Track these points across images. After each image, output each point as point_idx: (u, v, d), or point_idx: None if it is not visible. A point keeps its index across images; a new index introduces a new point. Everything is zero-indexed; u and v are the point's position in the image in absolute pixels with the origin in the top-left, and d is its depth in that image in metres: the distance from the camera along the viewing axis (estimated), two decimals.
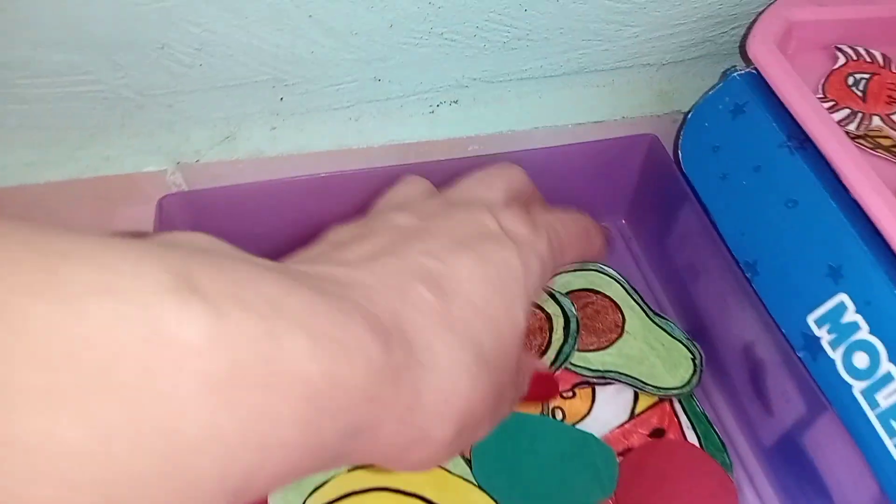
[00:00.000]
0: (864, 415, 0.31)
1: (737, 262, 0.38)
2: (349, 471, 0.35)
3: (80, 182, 0.41)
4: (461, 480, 0.35)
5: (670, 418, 0.39)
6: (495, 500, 0.35)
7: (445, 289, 0.20)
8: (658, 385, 0.40)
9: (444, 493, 0.35)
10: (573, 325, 0.42)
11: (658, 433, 0.38)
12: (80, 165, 0.41)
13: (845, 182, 0.33)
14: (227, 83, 0.38)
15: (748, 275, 0.37)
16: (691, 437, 0.38)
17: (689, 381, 0.40)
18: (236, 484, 0.14)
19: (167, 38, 0.36)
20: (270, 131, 0.42)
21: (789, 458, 0.38)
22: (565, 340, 0.41)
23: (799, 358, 0.35)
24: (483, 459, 0.36)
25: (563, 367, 0.40)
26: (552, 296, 0.43)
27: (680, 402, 0.40)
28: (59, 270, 0.13)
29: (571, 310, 0.42)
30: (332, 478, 0.35)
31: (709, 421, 0.39)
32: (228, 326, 0.14)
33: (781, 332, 0.36)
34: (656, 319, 0.44)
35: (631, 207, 0.51)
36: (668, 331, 0.43)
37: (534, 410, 0.39)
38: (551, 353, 0.40)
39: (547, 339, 0.41)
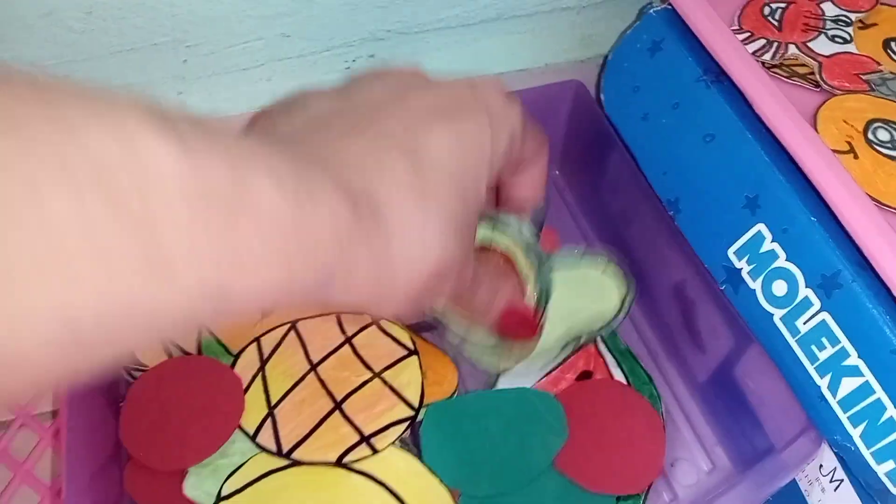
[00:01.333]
0: (786, 342, 0.31)
1: (660, 201, 0.38)
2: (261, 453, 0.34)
3: None
4: (390, 453, 0.34)
5: (595, 359, 0.39)
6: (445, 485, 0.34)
7: (422, 161, 0.22)
8: (595, 329, 0.39)
9: (369, 464, 0.34)
10: (536, 252, 0.35)
11: (585, 376, 0.38)
12: None
13: (759, 112, 0.33)
14: (124, 48, 0.37)
15: (671, 212, 0.37)
16: (618, 375, 0.38)
17: (620, 308, 0.39)
18: (212, 292, 0.16)
19: (53, 5, 0.34)
20: (177, 96, 0.40)
21: (722, 393, 0.38)
22: (537, 272, 0.35)
23: (722, 291, 0.34)
24: (437, 459, 0.34)
25: (547, 303, 0.35)
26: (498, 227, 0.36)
27: (604, 341, 0.39)
28: (58, 103, 0.14)
29: (528, 236, 0.35)
30: (245, 462, 0.34)
31: (633, 356, 0.39)
32: (198, 160, 0.16)
33: (707, 270, 0.35)
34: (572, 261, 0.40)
35: (562, 157, 0.50)
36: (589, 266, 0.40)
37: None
38: (532, 290, 0.35)
39: (518, 276, 0.35)
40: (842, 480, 0.31)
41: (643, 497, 0.34)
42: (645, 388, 0.37)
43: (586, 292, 0.39)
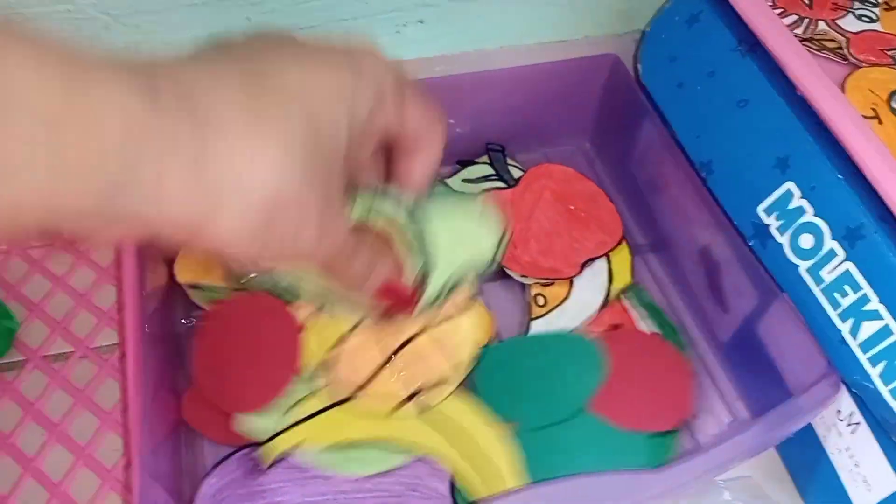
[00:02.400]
0: (811, 291, 0.33)
1: (693, 166, 0.40)
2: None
3: None
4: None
5: (622, 314, 0.42)
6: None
7: (265, 83, 0.22)
8: (470, 275, 0.37)
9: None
10: (412, 231, 0.34)
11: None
12: None
13: (792, 77, 0.35)
14: (195, 1, 0.39)
15: (703, 174, 0.39)
16: (645, 327, 0.40)
17: (497, 251, 0.37)
18: None
19: None
20: None
21: (744, 350, 0.40)
22: (419, 247, 0.34)
23: (750, 247, 0.36)
24: (491, 396, 0.37)
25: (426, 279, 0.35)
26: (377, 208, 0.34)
27: (629, 297, 0.42)
28: None
29: (406, 212, 0.33)
30: (301, 401, 0.36)
31: (659, 310, 0.41)
32: None
33: (734, 227, 0.38)
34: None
35: (594, 130, 0.53)
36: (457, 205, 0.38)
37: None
38: (410, 268, 0.34)
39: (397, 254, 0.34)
40: (858, 423, 0.33)
41: (674, 436, 0.36)
42: (673, 336, 0.39)
43: (461, 240, 0.36)
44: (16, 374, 0.41)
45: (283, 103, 0.22)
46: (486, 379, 0.37)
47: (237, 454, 0.36)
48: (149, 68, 0.20)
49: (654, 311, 0.41)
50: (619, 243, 0.44)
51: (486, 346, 0.38)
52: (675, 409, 0.37)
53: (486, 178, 0.47)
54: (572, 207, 0.46)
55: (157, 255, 0.42)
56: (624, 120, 0.48)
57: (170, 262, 0.42)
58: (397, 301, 0.33)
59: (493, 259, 0.37)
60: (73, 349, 0.42)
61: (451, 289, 0.36)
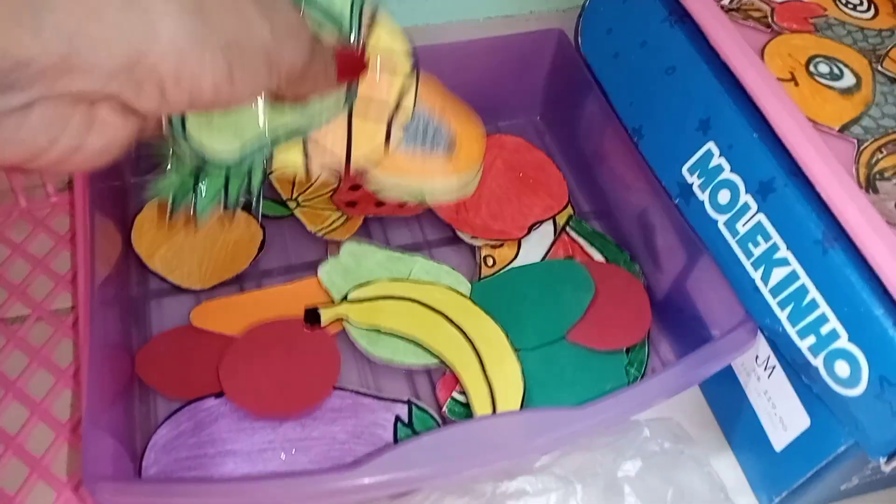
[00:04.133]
0: (728, 243, 0.36)
1: (627, 131, 0.42)
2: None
3: None
4: (481, 311, 0.41)
5: (571, 245, 0.45)
6: (506, 333, 0.40)
7: None
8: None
9: (464, 317, 0.40)
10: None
11: None
12: None
13: (714, 45, 0.37)
14: None
15: (635, 139, 0.41)
16: (593, 253, 0.45)
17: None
18: None
19: None
20: None
21: (675, 306, 0.42)
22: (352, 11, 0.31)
23: (676, 205, 0.39)
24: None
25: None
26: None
27: (573, 228, 0.46)
28: None
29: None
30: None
31: (601, 234, 0.45)
32: None
33: (663, 188, 0.40)
34: None
35: (544, 103, 0.54)
36: None
37: None
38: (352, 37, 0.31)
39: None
40: (774, 367, 0.36)
41: (647, 344, 0.41)
42: (619, 257, 0.44)
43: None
44: None
45: None
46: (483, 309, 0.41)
47: (188, 407, 0.37)
48: None
49: (595, 238, 0.45)
50: (564, 207, 0.47)
51: (478, 282, 0.43)
52: (640, 322, 0.41)
53: None
54: (521, 175, 0.48)
55: (112, 224, 0.43)
56: (570, 94, 0.50)
57: (126, 231, 0.44)
58: (353, 69, 0.30)
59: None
60: (30, 311, 0.43)
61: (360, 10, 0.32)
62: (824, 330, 0.31)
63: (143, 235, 0.44)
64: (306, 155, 0.33)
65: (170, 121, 0.28)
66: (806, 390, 0.34)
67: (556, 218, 0.47)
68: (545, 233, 0.46)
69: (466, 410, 0.38)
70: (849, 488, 0.37)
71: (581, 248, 0.45)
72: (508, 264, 0.45)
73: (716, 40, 0.37)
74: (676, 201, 0.38)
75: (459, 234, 0.45)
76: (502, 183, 0.48)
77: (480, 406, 0.38)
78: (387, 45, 0.33)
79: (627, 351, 0.41)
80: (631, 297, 0.42)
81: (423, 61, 0.48)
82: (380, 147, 0.33)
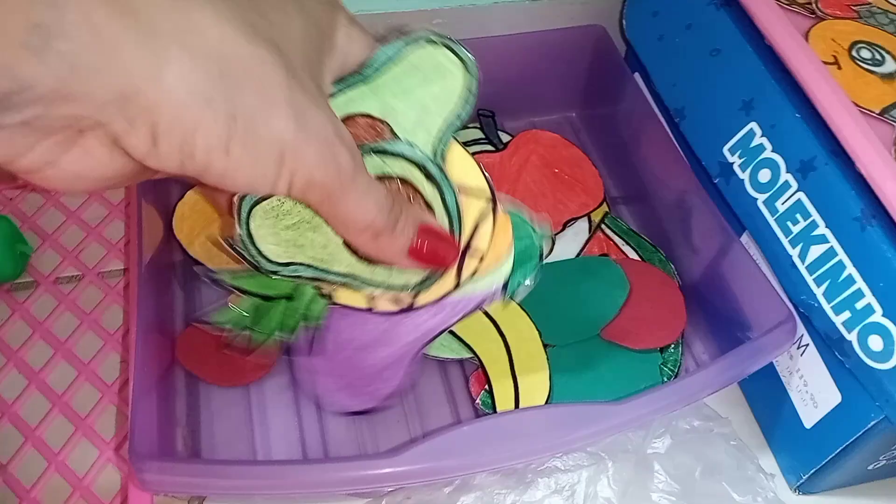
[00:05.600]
0: (767, 221, 0.36)
1: (668, 113, 0.43)
2: None
3: None
4: (517, 305, 0.40)
5: (606, 243, 0.45)
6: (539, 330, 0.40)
7: None
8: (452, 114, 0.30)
9: (499, 310, 0.40)
10: (433, 169, 0.29)
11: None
12: None
13: (760, 27, 0.38)
14: None
15: (677, 120, 0.42)
16: (628, 251, 0.45)
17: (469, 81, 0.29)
18: None
19: None
20: None
21: (710, 287, 0.43)
22: (440, 189, 0.29)
23: (715, 184, 0.39)
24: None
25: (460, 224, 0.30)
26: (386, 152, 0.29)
27: (608, 226, 0.45)
28: None
29: (417, 153, 0.29)
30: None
31: (636, 233, 0.45)
32: None
33: (702, 168, 0.40)
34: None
35: (582, 100, 0.54)
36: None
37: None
38: (440, 212, 0.29)
39: (423, 203, 0.29)
40: (807, 345, 0.36)
41: (681, 343, 0.41)
42: (654, 256, 0.44)
43: (425, 77, 0.29)
44: (27, 295, 0.44)
45: None
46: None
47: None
48: None
49: (631, 236, 0.45)
50: (599, 205, 0.47)
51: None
52: (674, 322, 0.41)
53: (476, 142, 0.50)
54: (557, 171, 0.48)
55: (155, 210, 0.43)
56: (609, 88, 0.50)
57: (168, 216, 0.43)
58: (441, 247, 0.28)
59: (470, 87, 0.29)
60: (82, 274, 0.45)
61: (441, 154, 0.29)
62: (859, 305, 0.32)
63: (183, 221, 0.43)
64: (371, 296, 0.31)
65: (238, 213, 0.26)
66: (838, 367, 0.34)
67: (591, 215, 0.47)
68: (580, 230, 0.46)
69: None
70: (876, 469, 0.37)
71: (616, 245, 0.45)
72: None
73: (763, 23, 0.38)
74: (716, 181, 0.39)
75: None
76: (537, 178, 0.48)
77: (503, 402, 0.38)
78: (459, 179, 0.30)
79: (661, 350, 0.41)
80: (666, 296, 0.42)
81: None
82: (447, 291, 0.31)
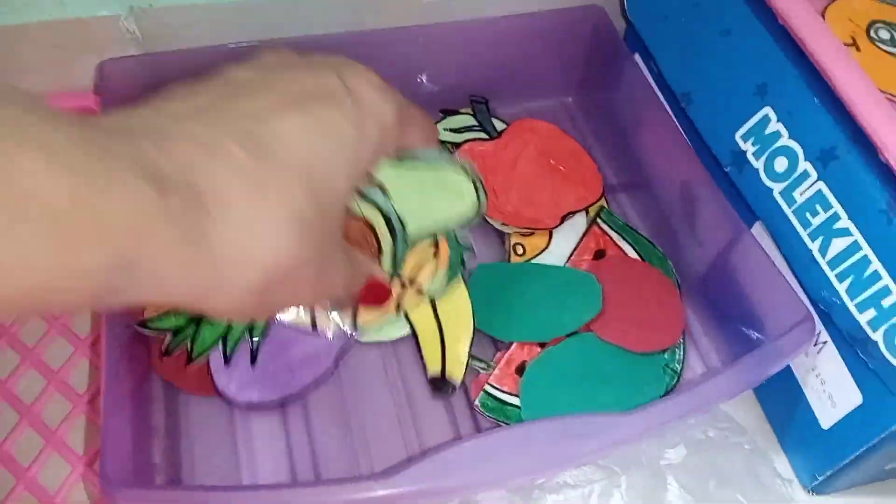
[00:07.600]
0: (783, 213, 0.34)
1: (674, 96, 0.40)
2: None
3: (35, 27, 0.41)
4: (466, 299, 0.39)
5: (603, 237, 0.43)
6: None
7: (263, 148, 0.21)
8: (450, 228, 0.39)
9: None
10: (396, 224, 0.36)
11: (600, 254, 0.42)
12: (36, 10, 0.41)
13: (773, 6, 0.36)
14: None
15: (683, 104, 0.40)
16: (626, 248, 0.42)
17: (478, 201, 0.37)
18: None
19: None
20: None
21: (717, 282, 0.41)
22: (395, 241, 0.36)
23: (724, 174, 0.37)
24: (484, 312, 0.39)
25: (399, 271, 0.37)
26: (364, 196, 0.36)
27: (604, 220, 0.43)
28: None
29: (389, 207, 0.36)
30: None
31: (632, 229, 0.43)
32: None
33: (712, 156, 0.38)
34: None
35: (578, 85, 0.52)
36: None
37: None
38: (387, 260, 0.36)
39: (376, 246, 0.36)
40: (825, 342, 0.34)
41: (683, 343, 0.39)
42: (652, 252, 0.42)
43: (443, 194, 0.37)
44: None
45: (284, 173, 0.21)
46: (481, 293, 0.39)
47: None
48: (147, 139, 0.19)
49: (628, 232, 0.43)
50: (598, 199, 0.45)
51: (484, 264, 0.41)
52: (673, 324, 0.39)
53: (469, 129, 0.47)
54: (554, 162, 0.46)
55: None
56: (607, 73, 0.48)
57: None
58: (376, 294, 0.35)
59: (473, 215, 0.37)
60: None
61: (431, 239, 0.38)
62: (886, 302, 0.30)
63: None
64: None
65: None
66: (859, 366, 0.33)
67: (589, 209, 0.44)
68: (577, 224, 0.44)
69: (500, 404, 0.37)
70: (893, 468, 0.36)
71: (613, 241, 0.43)
72: (539, 254, 0.42)
73: (777, 2, 0.36)
74: (728, 169, 0.37)
75: (489, 220, 0.43)
76: (534, 169, 0.45)
77: (432, 361, 0.37)
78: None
79: (663, 351, 0.39)
80: (664, 298, 0.40)
81: (454, 37, 0.46)
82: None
